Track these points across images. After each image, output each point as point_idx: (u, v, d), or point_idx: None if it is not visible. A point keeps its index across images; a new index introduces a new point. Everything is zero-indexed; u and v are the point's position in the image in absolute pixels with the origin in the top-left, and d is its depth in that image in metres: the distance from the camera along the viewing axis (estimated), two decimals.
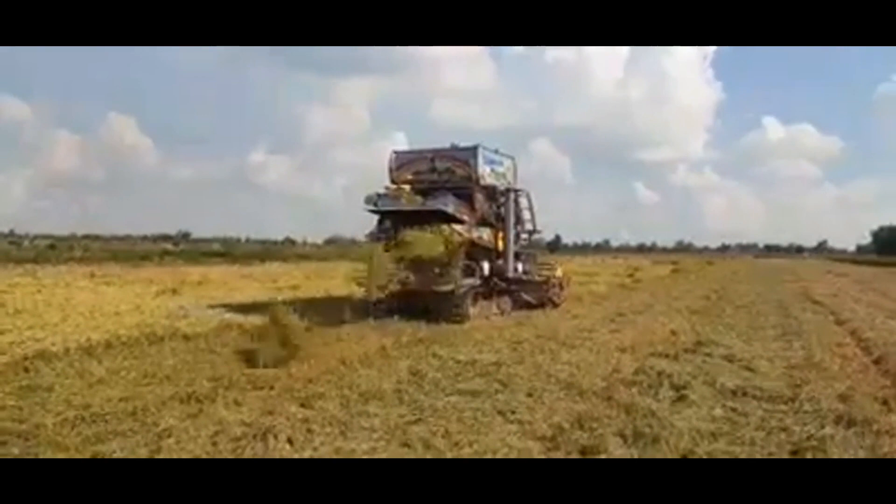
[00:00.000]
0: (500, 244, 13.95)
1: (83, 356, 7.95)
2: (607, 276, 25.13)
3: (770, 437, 5.42)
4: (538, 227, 15.43)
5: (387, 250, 11.97)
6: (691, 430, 5.43)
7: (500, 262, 13.98)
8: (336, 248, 77.95)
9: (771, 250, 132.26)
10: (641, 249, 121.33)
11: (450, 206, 12.46)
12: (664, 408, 6.07)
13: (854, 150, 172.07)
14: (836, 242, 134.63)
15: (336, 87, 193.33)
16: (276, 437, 4.91)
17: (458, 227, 12.40)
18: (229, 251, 48.12)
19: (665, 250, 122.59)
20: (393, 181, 13.56)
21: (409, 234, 11.95)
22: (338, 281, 22.45)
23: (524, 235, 15.12)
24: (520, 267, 14.67)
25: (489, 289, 13.74)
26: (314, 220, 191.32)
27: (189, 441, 4.83)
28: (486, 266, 13.44)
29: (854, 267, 55.48)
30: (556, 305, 15.40)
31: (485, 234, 13.46)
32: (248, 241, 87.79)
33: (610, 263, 36.86)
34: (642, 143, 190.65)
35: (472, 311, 12.80)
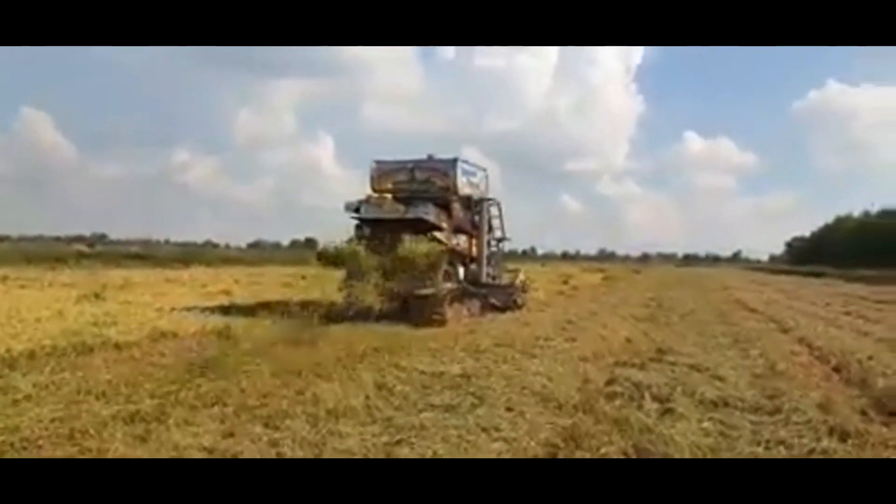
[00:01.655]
0: (474, 251, 15.02)
1: (3, 368, 7.09)
2: (543, 282, 24.93)
3: (770, 451, 5.16)
4: (506, 235, 16.50)
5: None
6: (691, 446, 5.13)
7: (474, 267, 15.05)
8: (259, 253, 76.22)
9: (689, 259, 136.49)
10: (566, 257, 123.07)
11: (430, 214, 13.23)
12: (656, 422, 5.72)
13: (769, 164, 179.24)
14: (750, 252, 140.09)
15: (263, 88, 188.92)
16: None
17: (438, 234, 13.27)
18: (149, 254, 46.08)
19: (588, 258, 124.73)
20: (374, 189, 14.19)
21: (394, 240, 12.56)
22: (269, 286, 21.67)
23: (493, 242, 16.11)
24: (490, 272, 15.67)
25: (463, 293, 14.31)
26: (237, 222, 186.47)
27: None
28: (461, 271, 14.33)
29: (771, 276, 57.55)
30: (519, 308, 16.08)
31: (461, 241, 14.40)
32: (167, 243, 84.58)
33: (540, 270, 36.85)
34: (568, 153, 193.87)
35: (449, 313, 13.08)
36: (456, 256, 14.08)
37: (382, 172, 14.55)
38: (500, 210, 16.19)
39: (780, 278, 52.05)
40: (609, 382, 7.52)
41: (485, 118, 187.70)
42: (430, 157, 14.49)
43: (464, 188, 14.46)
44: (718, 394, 7.00)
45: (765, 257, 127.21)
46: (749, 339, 11.62)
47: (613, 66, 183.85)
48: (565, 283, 29.77)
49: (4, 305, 12.10)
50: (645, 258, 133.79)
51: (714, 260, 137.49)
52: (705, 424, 5.89)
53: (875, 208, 73.40)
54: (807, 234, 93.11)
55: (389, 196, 13.78)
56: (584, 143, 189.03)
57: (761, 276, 56.85)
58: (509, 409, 6.08)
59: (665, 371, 8.25)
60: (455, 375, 7.44)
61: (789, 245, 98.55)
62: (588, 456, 4.75)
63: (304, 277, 25.73)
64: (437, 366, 8.03)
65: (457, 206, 14.18)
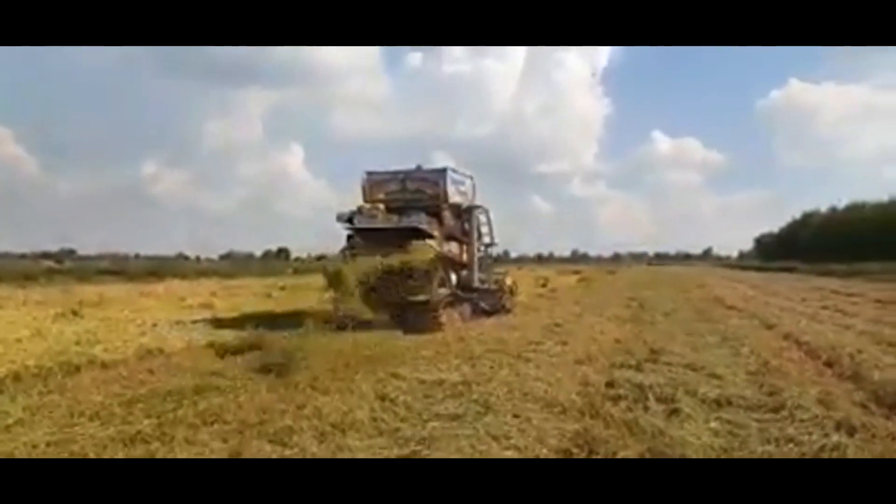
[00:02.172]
0: (465, 257, 15.43)
1: None
2: (522, 286, 24.88)
3: (781, 449, 5.16)
4: (494, 240, 16.87)
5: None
6: (704, 447, 5.13)
7: (466, 273, 15.43)
8: (233, 264, 75.30)
9: (661, 258, 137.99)
10: (540, 259, 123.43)
11: (423, 223, 13.50)
12: (665, 424, 5.70)
13: (735, 162, 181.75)
14: (720, 249, 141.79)
15: (230, 97, 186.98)
16: None
17: (431, 242, 13.49)
18: (120, 268, 45.22)
19: (562, 259, 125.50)
20: (366, 200, 14.52)
21: (387, 249, 12.84)
22: (249, 298, 21.40)
23: (483, 248, 16.36)
24: (481, 277, 16.03)
25: (455, 298, 14.66)
26: (208, 234, 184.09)
27: None
28: (454, 277, 14.66)
29: (743, 273, 58.33)
30: (507, 311, 16.60)
31: (453, 248, 14.78)
32: (137, 257, 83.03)
33: (517, 274, 36.83)
34: (539, 156, 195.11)
35: (444, 319, 13.42)
36: (448, 263, 14.38)
37: (374, 183, 14.83)
38: (488, 216, 16.59)
39: (752, 274, 52.79)
40: (609, 385, 7.49)
41: (454, 123, 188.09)
42: (419, 168, 14.91)
43: (453, 196, 14.82)
44: (720, 393, 7.01)
45: (734, 254, 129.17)
46: (736, 337, 11.67)
47: (579, 68, 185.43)
48: (543, 285, 29.87)
49: None
50: (617, 258, 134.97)
51: (685, 258, 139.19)
52: (713, 424, 5.90)
53: (842, 203, 74.69)
54: (775, 230, 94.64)
55: (382, 206, 14.13)
56: (554, 146, 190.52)
57: (733, 273, 57.61)
58: (515, 416, 6.01)
59: (662, 371, 8.24)
60: (455, 383, 7.34)
61: (758, 241, 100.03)
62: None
63: (282, 288, 25.56)
64: (435, 374, 7.94)
65: (447, 214, 14.51)
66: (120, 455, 4.90)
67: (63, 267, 45.61)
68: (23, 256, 59.48)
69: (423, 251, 13.22)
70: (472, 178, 16.21)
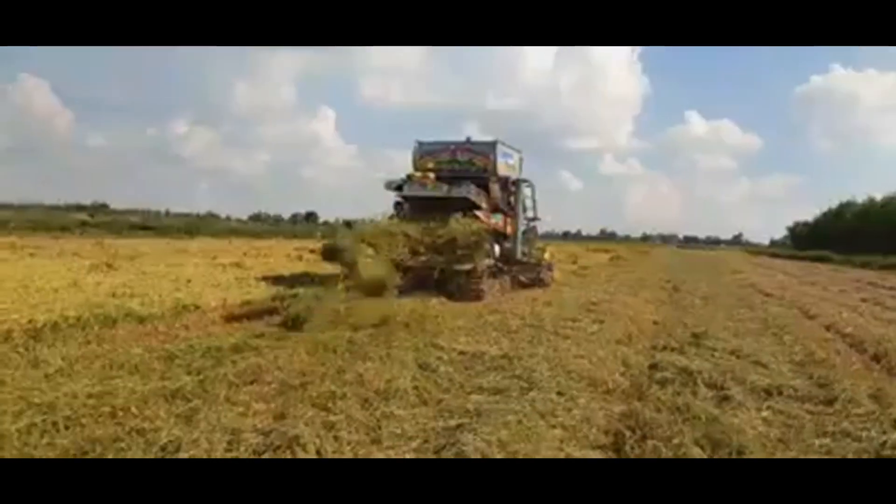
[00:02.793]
0: (509, 229, 15.54)
1: (29, 340, 6.82)
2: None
3: (838, 444, 4.95)
4: (538, 215, 17.10)
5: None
6: (759, 438, 4.93)
7: (509, 245, 15.56)
8: (261, 225, 75.76)
9: (689, 241, 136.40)
10: (566, 236, 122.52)
11: (473, 194, 13.70)
12: (717, 411, 5.50)
13: (770, 148, 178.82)
14: (750, 236, 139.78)
15: (262, 60, 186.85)
16: (303, 447, 4.08)
17: (478, 213, 13.76)
18: (152, 224, 45.70)
19: (589, 237, 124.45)
20: (416, 169, 14.77)
21: (435, 218, 13.19)
22: (280, 259, 21.38)
23: (525, 222, 16.47)
24: (524, 250, 16.24)
25: (497, 269, 14.88)
26: (236, 194, 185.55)
27: (203, 455, 3.93)
28: (497, 249, 14.79)
29: (776, 261, 57.28)
30: (546, 285, 16.78)
31: (499, 219, 14.90)
32: (167, 214, 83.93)
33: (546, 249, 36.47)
34: (570, 132, 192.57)
35: (485, 288, 13.57)
36: (493, 235, 14.51)
37: (425, 153, 15.12)
38: (533, 191, 16.74)
39: (786, 263, 51.76)
40: (653, 367, 7.29)
41: (485, 95, 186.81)
42: (469, 140, 15.12)
43: (502, 169, 14.99)
44: (769, 382, 6.75)
45: (765, 241, 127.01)
46: (778, 325, 11.36)
47: (617, 47, 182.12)
48: (574, 262, 29.47)
49: (18, 274, 11.81)
50: (645, 238, 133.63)
51: (715, 242, 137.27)
52: (764, 414, 5.69)
53: (879, 195, 72.82)
54: (808, 218, 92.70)
55: (432, 175, 14.19)
56: (587, 122, 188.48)
57: (766, 260, 56.58)
58: (560, 394, 5.84)
59: (706, 356, 7.99)
60: (496, 357, 7.20)
61: (791, 230, 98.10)
62: (661, 446, 4.51)
63: (312, 251, 25.51)
64: (474, 346, 7.78)
65: (495, 187, 14.64)
66: (161, 412, 4.81)
67: (95, 220, 46.11)
68: (56, 208, 60.22)
69: (472, 221, 13.40)
70: (519, 152, 16.37)
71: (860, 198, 75.19)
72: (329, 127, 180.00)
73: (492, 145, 14.89)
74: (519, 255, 15.92)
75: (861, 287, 22.70)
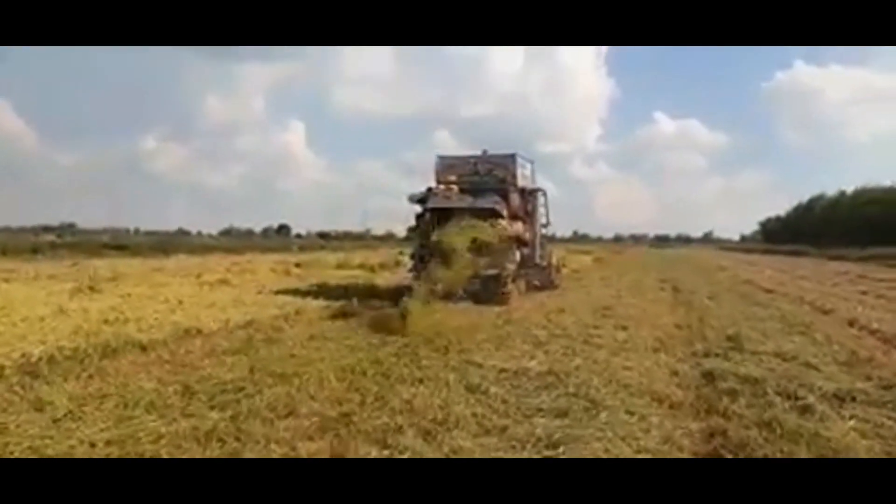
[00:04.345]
0: (527, 236, 16.12)
1: (25, 378, 6.09)
2: None
3: None
4: (550, 221, 17.78)
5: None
6: (866, 450, 4.48)
7: (527, 251, 16.23)
8: (233, 240, 74.47)
9: (661, 240, 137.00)
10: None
11: (497, 204, 14.28)
12: (810, 424, 5.00)
13: (738, 145, 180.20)
14: (720, 232, 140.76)
15: (231, 73, 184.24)
16: None
17: (501, 221, 14.19)
18: (123, 243, 44.35)
19: (563, 239, 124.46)
20: (438, 182, 15.28)
21: (468, 228, 13.34)
22: (266, 274, 20.63)
23: (540, 228, 17.20)
24: (540, 254, 17.11)
25: (518, 274, 15.37)
26: (208, 209, 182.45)
27: None
28: (517, 255, 15.28)
29: (754, 256, 57.54)
30: (556, 287, 17.40)
31: (518, 227, 15.40)
32: (137, 232, 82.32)
33: None
34: (540, 136, 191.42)
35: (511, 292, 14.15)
36: (514, 241, 15.04)
37: (446, 166, 15.73)
38: (545, 198, 17.47)
39: (763, 258, 52.02)
40: (707, 376, 6.79)
41: (457, 102, 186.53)
42: (485, 153, 15.85)
43: (520, 180, 15.70)
44: (836, 387, 6.33)
45: (735, 237, 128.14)
46: (802, 324, 10.98)
47: (582, 50, 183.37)
48: (563, 265, 29.03)
49: None
50: (618, 239, 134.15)
51: (686, 240, 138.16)
52: (851, 423, 5.20)
53: (850, 187, 73.91)
54: (776, 213, 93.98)
55: (455, 187, 14.79)
56: (556, 126, 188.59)
57: (743, 256, 56.85)
58: (629, 413, 5.31)
59: (754, 361, 7.56)
60: (541, 373, 6.65)
61: (763, 225, 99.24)
62: None
63: (297, 265, 24.78)
64: (511, 361, 7.23)
65: (514, 196, 15.20)
66: (197, 455, 4.18)
67: (64, 241, 44.66)
68: (22, 230, 58.50)
69: (499, 230, 13.90)
70: (532, 162, 17.15)
71: (830, 191, 76.29)
72: (300, 138, 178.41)
73: (511, 157, 15.64)
74: (537, 260, 16.80)
75: (853, 280, 22.67)
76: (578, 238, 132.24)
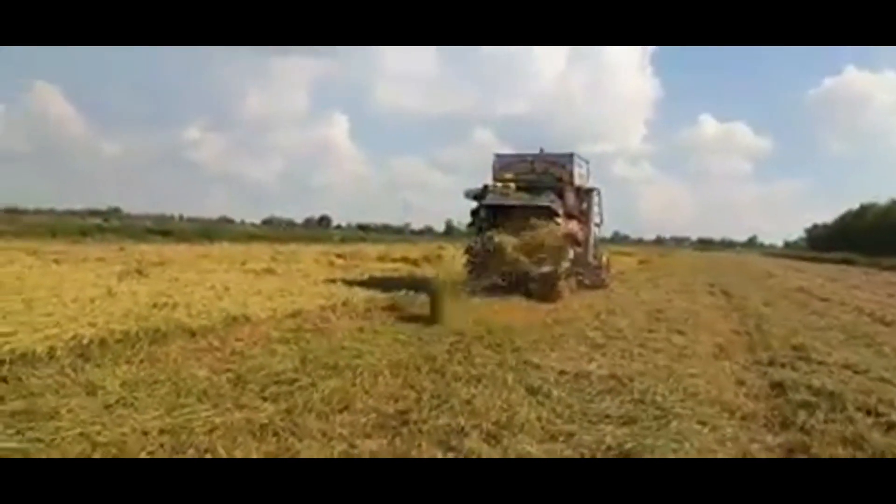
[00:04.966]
0: (581, 235, 16.17)
1: (77, 360, 6.00)
2: None
3: None
4: (603, 220, 18.09)
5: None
6: None
7: (581, 250, 16.19)
8: (275, 229, 75.18)
9: (704, 243, 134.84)
10: None
11: (553, 203, 14.54)
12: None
13: (783, 150, 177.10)
14: (764, 238, 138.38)
15: (275, 66, 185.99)
16: None
17: (557, 220, 14.43)
18: (167, 229, 45.01)
19: (604, 241, 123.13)
20: (495, 179, 15.54)
21: (515, 224, 14.00)
22: (312, 265, 20.59)
23: (593, 227, 17.37)
24: (594, 253, 17.39)
25: (569, 272, 15.27)
26: (248, 200, 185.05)
27: None
28: (571, 253, 15.20)
29: (801, 263, 56.12)
30: (606, 287, 17.28)
31: (573, 226, 15.57)
32: (181, 218, 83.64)
33: None
34: (582, 137, 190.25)
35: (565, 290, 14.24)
36: (569, 240, 15.07)
37: (504, 164, 15.97)
38: (600, 198, 17.54)
39: (811, 265, 50.70)
40: (777, 386, 6.44)
41: (498, 100, 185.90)
42: (542, 151, 16.12)
43: (577, 179, 15.98)
44: None
45: (779, 243, 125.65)
46: (865, 335, 10.48)
47: (628, 50, 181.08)
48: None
49: (47, 282, 10.99)
50: (659, 241, 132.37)
51: (729, 245, 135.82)
52: None
53: None
54: (821, 220, 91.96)
55: (513, 185, 14.99)
56: (599, 126, 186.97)
57: (789, 263, 55.46)
58: (701, 423, 5.01)
59: (824, 373, 7.15)
60: (603, 377, 6.37)
61: (809, 231, 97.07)
62: None
63: (340, 256, 24.76)
64: (569, 363, 6.96)
65: (570, 195, 15.46)
66: (254, 453, 4.01)
67: (111, 225, 45.45)
68: (71, 213, 59.72)
69: (555, 228, 14.20)
70: (588, 162, 17.31)
71: (882, 199, 74.14)
72: (342, 133, 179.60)
73: (569, 157, 15.90)
74: (590, 259, 16.97)
75: None
76: (619, 239, 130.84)
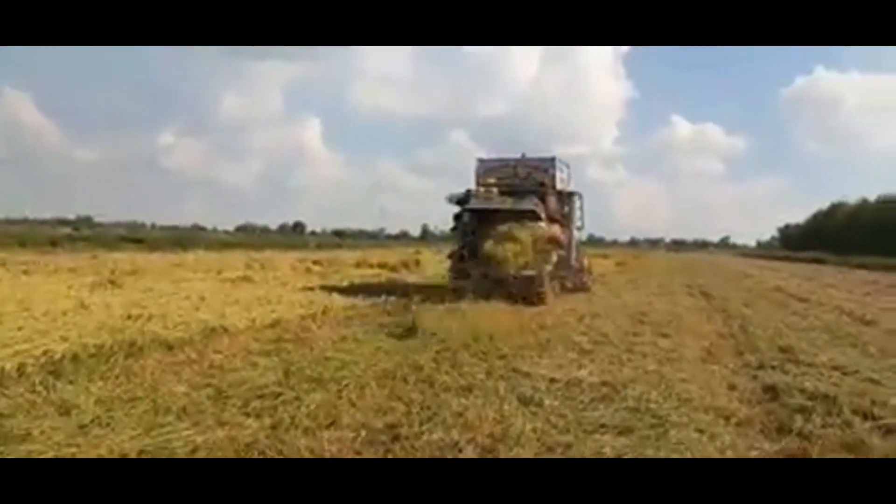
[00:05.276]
0: (563, 238, 15.98)
1: (48, 378, 5.72)
2: None
3: None
4: (584, 224, 18.12)
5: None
6: None
7: (563, 253, 16.09)
8: (249, 236, 74.39)
9: (678, 244, 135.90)
10: None
11: (537, 206, 14.59)
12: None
13: (755, 150, 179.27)
14: (737, 238, 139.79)
15: (249, 70, 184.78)
16: None
17: (540, 223, 14.44)
18: (140, 237, 44.29)
19: (580, 243, 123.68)
20: (478, 184, 15.55)
21: (508, 229, 13.98)
22: (288, 272, 20.33)
23: (575, 231, 17.45)
24: (575, 257, 17.36)
25: (552, 275, 15.38)
26: (223, 205, 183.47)
27: None
28: (555, 257, 15.22)
29: (773, 262, 56.70)
30: (588, 290, 17.38)
31: (556, 229, 15.40)
32: (153, 226, 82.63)
33: None
34: (557, 138, 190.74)
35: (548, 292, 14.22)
36: (552, 243, 15.08)
37: (487, 169, 16.10)
38: (581, 202, 17.68)
39: (785, 264, 51.27)
40: (769, 390, 6.36)
41: (473, 102, 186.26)
42: (524, 156, 16.25)
43: (559, 183, 16.17)
44: None
45: (751, 242, 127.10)
46: (848, 334, 10.50)
47: (600, 51, 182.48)
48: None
49: (17, 294, 10.67)
50: (633, 243, 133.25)
51: (702, 245, 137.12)
52: None
53: (871, 195, 72.93)
54: (794, 219, 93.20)
55: (495, 189, 15.04)
56: (573, 128, 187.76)
57: (763, 262, 56.05)
58: (700, 431, 4.89)
59: (814, 375, 7.10)
60: (594, 384, 6.23)
61: (782, 231, 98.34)
62: None
63: (317, 262, 24.49)
64: (558, 370, 6.82)
65: (552, 199, 15.58)
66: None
67: (81, 234, 44.65)
68: (42, 223, 58.64)
69: (539, 231, 14.25)
70: (568, 166, 17.46)
71: (852, 198, 75.32)
72: (316, 136, 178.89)
73: (551, 161, 16.11)
74: (572, 262, 16.93)
75: (881, 290, 22.09)
76: (594, 241, 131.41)
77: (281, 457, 4.12)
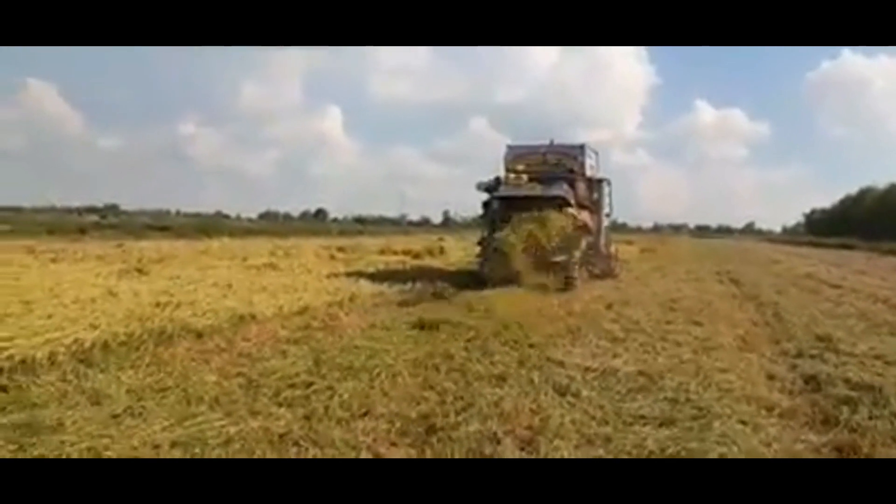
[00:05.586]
0: (592, 224, 16.20)
1: (79, 366, 5.74)
2: None
3: None
4: (613, 211, 18.29)
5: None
6: None
7: (592, 239, 16.14)
8: (272, 223, 74.74)
9: (702, 230, 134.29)
10: None
11: (567, 193, 14.64)
12: None
13: (780, 135, 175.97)
14: (761, 224, 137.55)
15: (268, 58, 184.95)
16: None
17: (570, 210, 14.52)
18: (165, 224, 44.62)
19: (608, 229, 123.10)
20: (507, 170, 15.50)
21: (541, 216, 13.96)
22: (313, 259, 20.29)
23: (604, 217, 17.52)
24: (604, 243, 17.45)
25: (582, 261, 15.30)
26: (245, 194, 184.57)
27: None
28: (584, 243, 15.22)
29: (800, 249, 55.75)
30: (616, 276, 17.23)
31: (585, 216, 15.58)
32: (178, 213, 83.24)
33: None
34: (578, 124, 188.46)
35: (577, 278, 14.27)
36: (581, 229, 15.15)
37: (516, 155, 16.02)
38: (610, 188, 17.67)
39: (812, 251, 50.40)
40: (810, 380, 6.17)
41: (493, 89, 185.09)
42: (552, 143, 16.20)
43: (588, 169, 16.16)
44: None
45: (776, 228, 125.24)
46: (886, 322, 10.20)
47: None
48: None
49: (46, 282, 10.67)
50: (656, 229, 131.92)
51: (727, 231, 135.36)
52: None
53: None
54: (819, 205, 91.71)
55: (525, 176, 14.96)
56: (595, 113, 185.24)
57: (790, 248, 55.08)
58: (743, 423, 4.75)
59: (855, 364, 6.89)
60: (631, 374, 6.10)
61: (808, 217, 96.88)
62: None
63: (341, 249, 24.45)
64: (592, 359, 6.69)
65: (581, 185, 15.62)
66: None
67: (108, 221, 45.07)
68: (69, 211, 59.30)
69: (568, 218, 14.29)
70: (597, 153, 17.40)
71: (881, 183, 73.90)
72: (336, 125, 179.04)
73: (581, 148, 16.10)
74: (601, 248, 16.96)
75: None
76: (618, 227, 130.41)
77: (316, 447, 4.05)
